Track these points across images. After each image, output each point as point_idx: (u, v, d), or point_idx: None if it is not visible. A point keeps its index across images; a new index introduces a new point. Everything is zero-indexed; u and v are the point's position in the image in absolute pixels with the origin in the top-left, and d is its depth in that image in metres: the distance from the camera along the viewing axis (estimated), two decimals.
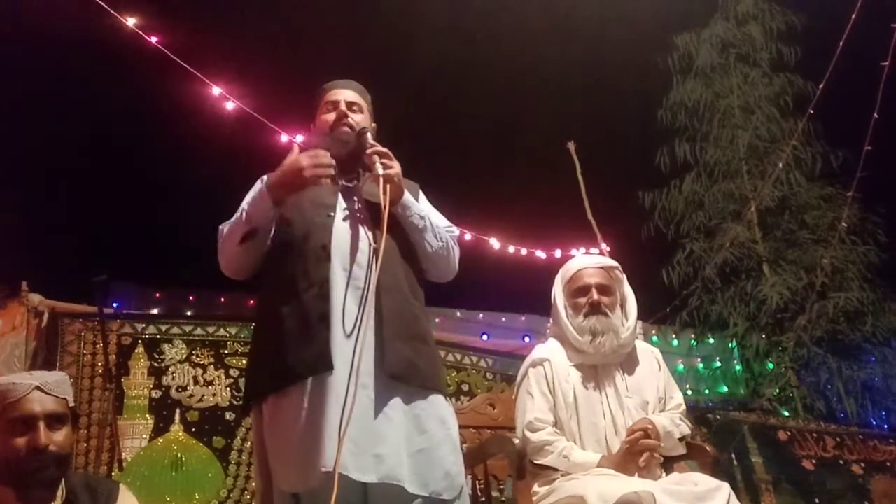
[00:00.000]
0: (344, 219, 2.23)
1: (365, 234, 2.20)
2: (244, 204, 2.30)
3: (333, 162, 2.21)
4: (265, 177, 2.34)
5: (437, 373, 2.22)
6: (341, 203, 2.26)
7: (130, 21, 4.80)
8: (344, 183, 2.30)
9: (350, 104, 2.39)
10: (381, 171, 2.16)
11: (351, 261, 2.15)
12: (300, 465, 1.97)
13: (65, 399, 2.01)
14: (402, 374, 2.08)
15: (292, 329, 2.09)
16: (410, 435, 2.05)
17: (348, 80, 2.49)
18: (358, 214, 2.25)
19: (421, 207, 2.33)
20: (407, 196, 2.27)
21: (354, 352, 2.01)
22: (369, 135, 2.30)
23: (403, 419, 2.06)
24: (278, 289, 2.17)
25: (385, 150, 2.24)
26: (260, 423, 2.13)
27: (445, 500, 2.07)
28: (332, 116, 2.36)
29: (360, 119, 2.38)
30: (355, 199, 2.28)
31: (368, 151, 2.22)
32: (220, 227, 2.30)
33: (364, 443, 1.97)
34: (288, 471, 2.01)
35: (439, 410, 2.15)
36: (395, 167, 2.22)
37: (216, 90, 5.19)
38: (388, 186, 2.15)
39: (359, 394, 2.00)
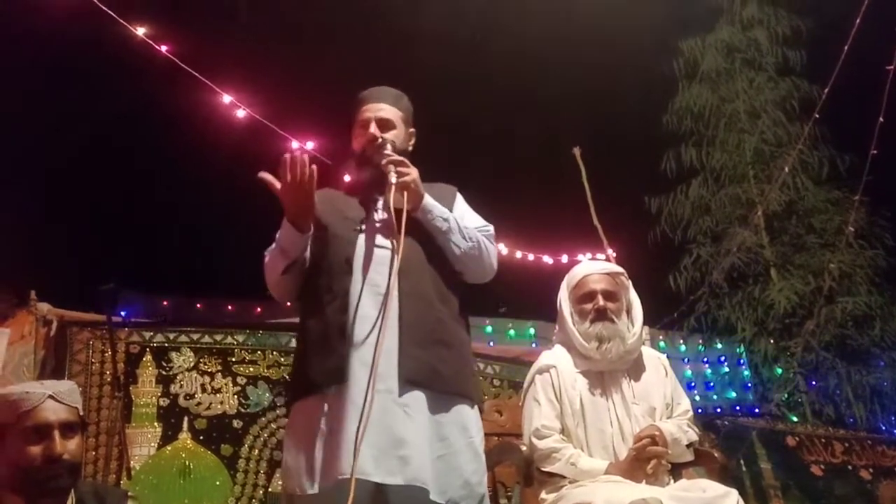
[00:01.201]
0: (369, 230, 2.25)
1: (388, 244, 2.21)
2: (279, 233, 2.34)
3: (307, 159, 2.15)
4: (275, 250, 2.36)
5: (462, 378, 2.19)
6: (368, 215, 2.28)
7: (140, 31, 4.84)
8: (374, 196, 2.30)
9: (382, 122, 2.37)
10: (393, 181, 2.17)
11: (373, 271, 2.17)
12: (316, 470, 1.99)
13: (76, 408, 2.05)
14: (420, 380, 2.08)
15: (316, 341, 2.15)
16: (432, 441, 2.05)
17: (382, 89, 2.46)
18: (379, 225, 2.26)
19: (444, 210, 2.31)
20: (427, 200, 2.27)
21: (373, 360, 2.02)
22: (389, 146, 2.29)
23: (427, 424, 2.06)
24: (309, 302, 2.25)
25: (400, 158, 2.25)
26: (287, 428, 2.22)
27: None
28: (363, 141, 2.36)
29: (393, 135, 2.36)
30: (380, 210, 2.29)
31: (383, 162, 2.23)
32: (265, 252, 2.33)
33: (388, 446, 1.97)
34: (302, 475, 2.03)
35: (461, 417, 2.13)
36: (412, 174, 2.22)
37: (226, 98, 5.21)
38: (404, 194, 2.16)
39: (383, 399, 2.01)
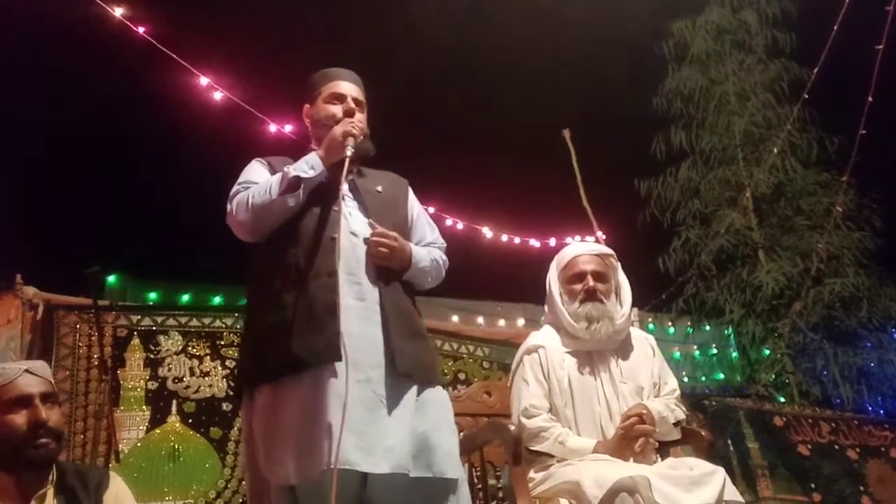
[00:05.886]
0: (347, 214, 2.24)
1: (364, 232, 2.22)
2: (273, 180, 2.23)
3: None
4: (288, 168, 2.23)
5: (437, 367, 2.30)
6: (346, 198, 2.25)
7: (118, 11, 4.79)
8: (351, 178, 2.29)
9: (357, 101, 2.37)
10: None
11: (350, 257, 2.16)
12: (298, 460, 1.96)
13: (50, 381, 2.08)
14: (411, 372, 2.12)
15: (297, 318, 2.07)
16: (413, 421, 2.08)
17: (351, 72, 2.43)
18: (357, 211, 2.28)
19: (425, 257, 2.33)
20: (414, 256, 2.28)
21: (357, 346, 2.03)
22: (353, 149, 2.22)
23: (408, 409, 2.09)
24: (282, 276, 2.15)
25: (383, 234, 2.20)
26: (250, 411, 2.12)
27: (450, 479, 2.09)
28: (338, 110, 2.33)
29: (362, 119, 2.36)
30: (351, 197, 2.29)
31: (373, 239, 2.19)
32: (235, 193, 2.26)
33: (372, 436, 1.98)
34: (284, 465, 1.98)
35: (438, 398, 2.20)
36: (392, 246, 2.20)
37: (204, 80, 5.18)
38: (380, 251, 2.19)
39: (363, 388, 2.01)
